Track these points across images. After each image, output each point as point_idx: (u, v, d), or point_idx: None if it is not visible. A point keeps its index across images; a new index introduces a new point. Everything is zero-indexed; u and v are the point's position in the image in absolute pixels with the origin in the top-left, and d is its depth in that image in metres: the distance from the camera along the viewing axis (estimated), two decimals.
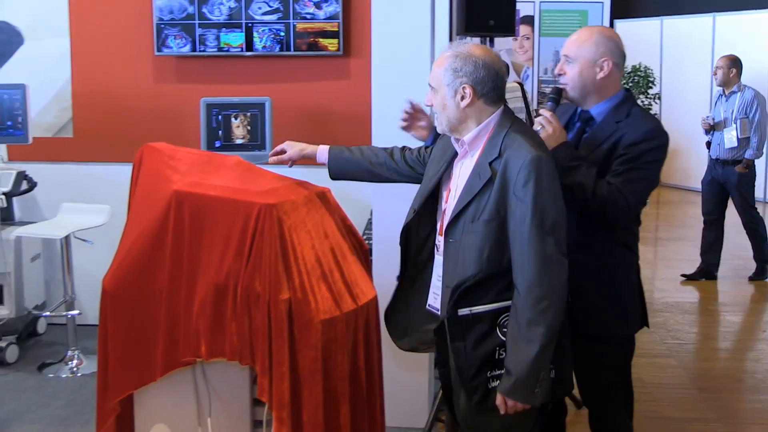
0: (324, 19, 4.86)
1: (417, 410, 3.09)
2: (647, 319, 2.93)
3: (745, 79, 6.97)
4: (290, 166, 3.08)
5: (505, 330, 2.38)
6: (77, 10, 5.47)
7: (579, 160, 2.62)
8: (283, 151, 3.06)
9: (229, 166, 3.00)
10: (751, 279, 7.03)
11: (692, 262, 7.18)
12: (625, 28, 12.60)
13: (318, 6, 4.83)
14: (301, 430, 2.76)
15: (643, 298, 2.91)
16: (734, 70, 6.86)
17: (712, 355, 5.28)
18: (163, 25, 5.13)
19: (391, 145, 3.01)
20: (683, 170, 11.75)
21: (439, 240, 2.59)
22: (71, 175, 5.49)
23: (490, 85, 2.44)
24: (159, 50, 5.31)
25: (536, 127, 2.67)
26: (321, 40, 4.88)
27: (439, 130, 2.60)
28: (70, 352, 4.86)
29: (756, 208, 7.06)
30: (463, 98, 2.43)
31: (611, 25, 12.83)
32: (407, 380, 3.37)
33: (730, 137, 6.76)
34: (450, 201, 2.55)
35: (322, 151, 2.98)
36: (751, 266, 7.11)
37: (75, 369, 4.80)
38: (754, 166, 6.88)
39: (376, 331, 2.95)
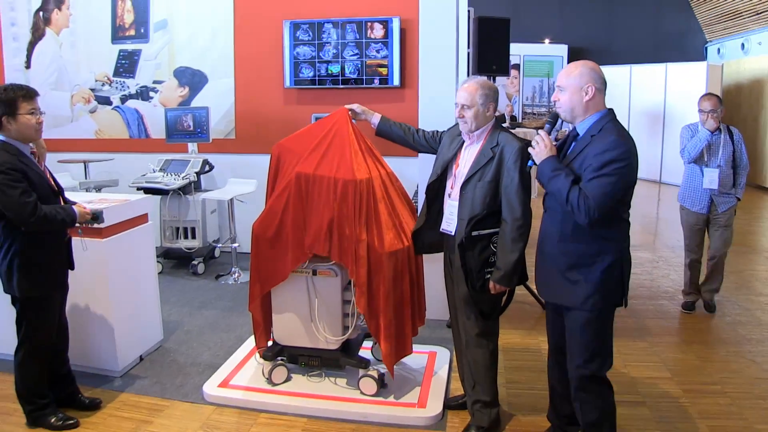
0: (380, 58, 5.15)
1: (446, 308, 3.02)
2: (626, 300, 2.24)
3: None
4: (355, 120, 2.92)
5: (495, 245, 2.45)
6: (239, 61, 5.44)
7: (559, 170, 2.16)
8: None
9: (337, 145, 2.84)
10: None
11: None
12: None
13: (377, 51, 5.14)
14: (377, 298, 2.73)
15: (621, 280, 2.21)
16: None
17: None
18: (299, 62, 5.29)
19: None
20: None
21: (450, 191, 2.58)
22: (234, 161, 5.49)
23: (498, 104, 2.55)
24: (287, 84, 5.26)
25: (533, 143, 2.26)
26: (378, 69, 5.15)
27: (465, 130, 2.54)
28: (233, 269, 4.91)
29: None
30: (488, 111, 2.50)
31: None
32: (439, 288, 3.30)
33: None
34: (460, 169, 2.54)
35: (376, 117, 2.93)
36: None
37: (236, 279, 4.84)
38: None
39: (421, 256, 2.94)
